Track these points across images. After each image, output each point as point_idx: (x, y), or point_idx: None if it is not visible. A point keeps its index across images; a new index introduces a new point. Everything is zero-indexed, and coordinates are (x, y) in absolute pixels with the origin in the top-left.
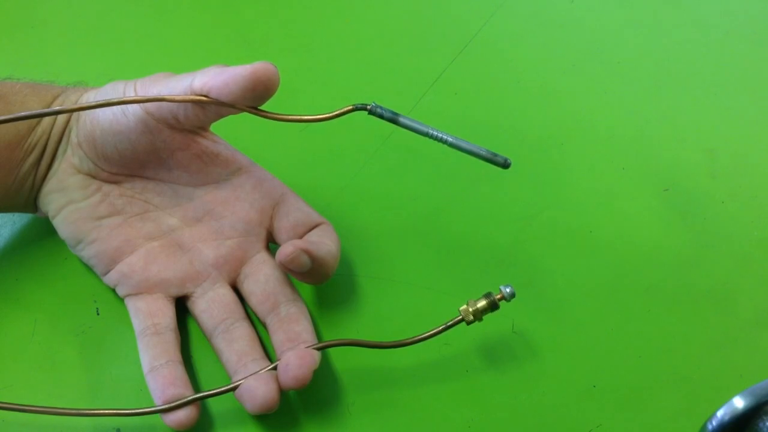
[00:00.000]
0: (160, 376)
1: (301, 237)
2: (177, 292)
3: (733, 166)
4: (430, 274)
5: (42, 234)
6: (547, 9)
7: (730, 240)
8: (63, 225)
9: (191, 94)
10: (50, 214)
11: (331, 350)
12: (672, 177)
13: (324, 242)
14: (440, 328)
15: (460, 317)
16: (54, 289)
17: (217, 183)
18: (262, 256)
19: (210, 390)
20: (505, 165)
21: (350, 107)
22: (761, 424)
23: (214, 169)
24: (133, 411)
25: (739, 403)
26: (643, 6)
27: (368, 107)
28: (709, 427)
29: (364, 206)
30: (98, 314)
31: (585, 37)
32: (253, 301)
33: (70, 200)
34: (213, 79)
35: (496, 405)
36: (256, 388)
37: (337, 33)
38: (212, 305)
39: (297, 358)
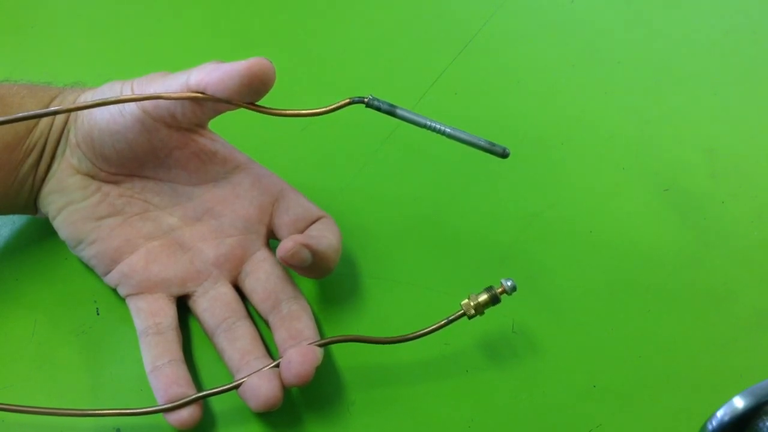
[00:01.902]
0: (163, 375)
1: (302, 232)
2: (178, 291)
3: (733, 166)
4: (430, 273)
5: (42, 234)
6: (547, 9)
7: (730, 240)
8: (63, 226)
9: (188, 92)
10: (50, 215)
11: (332, 348)
12: (672, 177)
13: (324, 236)
14: (442, 322)
15: (462, 311)
16: (54, 289)
17: (215, 181)
18: (263, 253)
19: (213, 388)
20: (504, 155)
21: (347, 100)
22: (761, 424)
23: (213, 168)
24: (136, 411)
25: (739, 403)
26: (643, 6)
27: (365, 100)
28: (709, 427)
29: (365, 206)
30: (98, 314)
31: (585, 37)
32: (255, 299)
33: (69, 201)
34: (209, 75)
35: (496, 405)
36: (259, 385)
37: (336, 33)
38: (214, 304)
39: (299, 355)
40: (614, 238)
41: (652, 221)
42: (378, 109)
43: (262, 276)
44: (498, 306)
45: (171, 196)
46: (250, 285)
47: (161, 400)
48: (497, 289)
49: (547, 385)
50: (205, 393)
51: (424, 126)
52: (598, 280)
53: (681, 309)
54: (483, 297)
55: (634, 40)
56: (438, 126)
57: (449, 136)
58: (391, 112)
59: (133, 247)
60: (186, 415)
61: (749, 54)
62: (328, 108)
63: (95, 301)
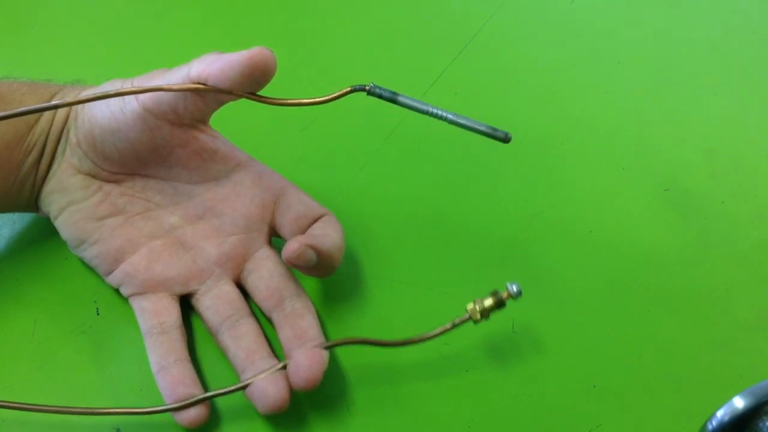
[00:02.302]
0: (169, 375)
1: (304, 229)
2: (181, 290)
3: (733, 166)
4: (430, 273)
5: (42, 234)
6: (547, 9)
7: (730, 240)
8: (65, 226)
9: (189, 84)
10: (52, 215)
11: (336, 348)
12: (672, 177)
13: (328, 234)
14: (447, 326)
15: (468, 316)
16: (54, 289)
17: (216, 180)
18: (265, 251)
19: (220, 389)
20: (506, 139)
21: (348, 89)
22: (761, 424)
23: (214, 166)
24: (143, 410)
25: (739, 403)
26: (643, 6)
27: (366, 87)
28: (709, 427)
29: (365, 206)
30: (98, 314)
31: (585, 37)
32: (258, 297)
33: (71, 201)
34: (209, 66)
35: (497, 405)
36: (267, 389)
37: (336, 33)
38: (217, 302)
39: (307, 359)
40: (614, 238)
41: (652, 221)
42: (380, 96)
43: (265, 274)
44: None
45: (172, 195)
46: (252, 283)
47: (168, 399)
48: (503, 293)
49: (547, 385)
50: (212, 393)
51: (426, 112)
52: (598, 280)
53: (681, 309)
54: (489, 302)
55: (634, 40)
56: (439, 112)
57: (451, 122)
58: (392, 99)
59: (135, 247)
60: (194, 414)
61: (749, 54)
62: (329, 96)
63: (95, 301)
